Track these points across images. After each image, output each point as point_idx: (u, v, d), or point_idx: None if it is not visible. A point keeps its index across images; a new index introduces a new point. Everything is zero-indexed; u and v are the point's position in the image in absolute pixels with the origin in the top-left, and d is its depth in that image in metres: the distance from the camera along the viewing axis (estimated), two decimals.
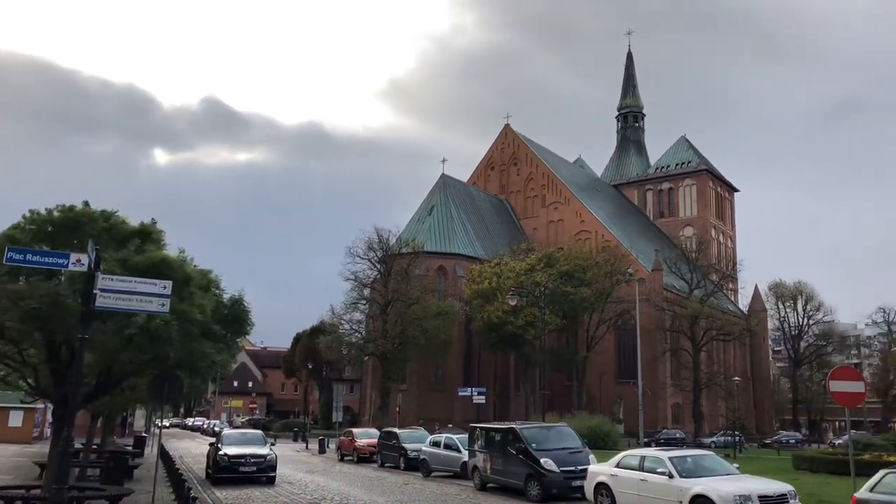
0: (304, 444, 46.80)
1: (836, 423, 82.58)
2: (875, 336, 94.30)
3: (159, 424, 26.36)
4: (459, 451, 24.06)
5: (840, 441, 55.65)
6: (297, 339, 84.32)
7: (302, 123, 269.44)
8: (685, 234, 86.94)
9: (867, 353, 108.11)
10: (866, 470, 16.03)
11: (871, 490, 11.43)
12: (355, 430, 36.49)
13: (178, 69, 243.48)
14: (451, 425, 43.29)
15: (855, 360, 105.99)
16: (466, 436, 23.50)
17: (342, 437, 36.02)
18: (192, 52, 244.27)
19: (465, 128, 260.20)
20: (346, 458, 33.90)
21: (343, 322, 59.39)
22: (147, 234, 15.26)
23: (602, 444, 37.54)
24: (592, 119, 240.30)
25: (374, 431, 35.41)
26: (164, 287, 11.99)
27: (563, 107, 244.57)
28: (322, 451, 39.57)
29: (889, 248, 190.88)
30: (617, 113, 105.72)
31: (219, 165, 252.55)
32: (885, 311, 75.36)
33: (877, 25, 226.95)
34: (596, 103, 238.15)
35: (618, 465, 15.68)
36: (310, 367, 71.29)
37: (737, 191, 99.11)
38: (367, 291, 57.97)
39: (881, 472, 11.70)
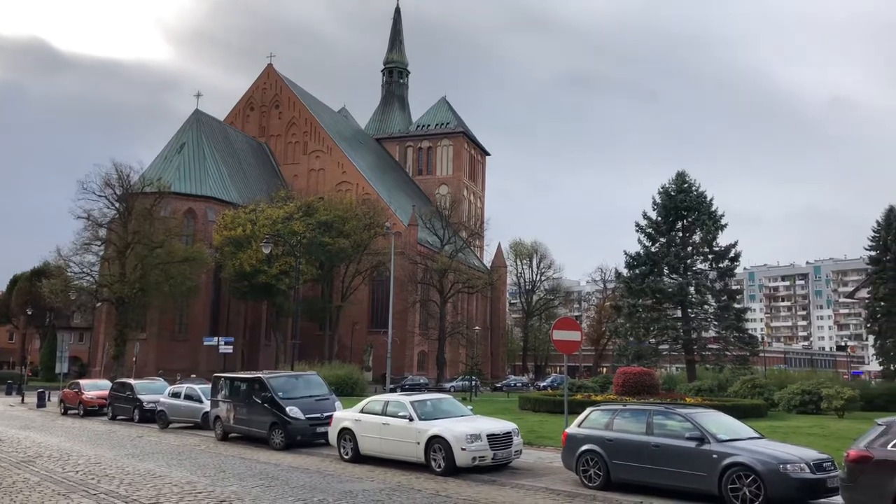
0: (20, 398, 41.79)
1: (555, 368, 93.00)
2: (593, 292, 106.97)
3: None
4: (201, 402, 23.05)
5: (544, 384, 63.05)
6: (14, 281, 74.58)
7: (22, 36, 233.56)
8: (440, 192, 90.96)
9: (586, 307, 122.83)
10: (578, 408, 18.12)
11: (579, 425, 12.94)
12: (83, 382, 33.37)
13: None
14: (194, 375, 41.31)
15: (576, 313, 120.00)
16: (210, 386, 22.56)
17: (66, 390, 32.70)
18: None
19: (224, 63, 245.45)
20: (70, 412, 30.92)
21: (72, 264, 53.47)
22: None
23: (350, 392, 38.47)
24: (359, 70, 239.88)
25: (106, 383, 32.75)
26: None
27: (330, 54, 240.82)
28: (41, 404, 35.63)
29: (610, 216, 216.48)
30: (383, 67, 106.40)
31: None
32: (602, 271, 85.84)
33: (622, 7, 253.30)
34: (363, 55, 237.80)
35: (362, 411, 16.00)
36: (29, 312, 63.28)
37: (488, 154, 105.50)
38: (102, 232, 52.59)
39: (588, 410, 13.30)
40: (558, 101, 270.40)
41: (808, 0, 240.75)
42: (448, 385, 58.03)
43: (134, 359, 49.10)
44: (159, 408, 24.55)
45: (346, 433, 15.92)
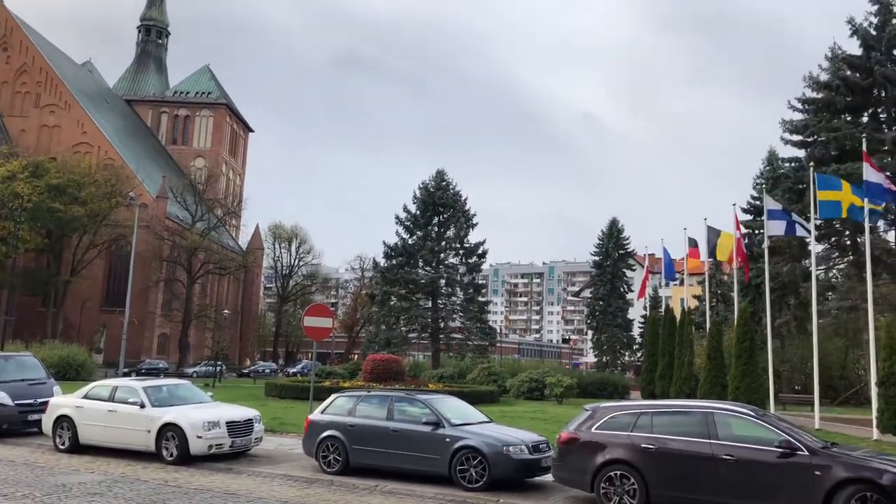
0: None
1: (307, 354, 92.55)
2: (351, 280, 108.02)
3: None
4: None
5: (294, 370, 62.74)
6: None
7: None
8: (196, 165, 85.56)
9: (343, 295, 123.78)
10: (326, 395, 18.14)
11: (323, 412, 12.96)
12: None
13: None
14: None
15: (333, 300, 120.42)
16: None
17: None
18: None
19: None
20: None
21: None
22: None
23: (75, 375, 34.86)
24: (110, 23, 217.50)
25: None
26: None
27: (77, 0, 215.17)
28: None
29: (375, 205, 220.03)
30: (140, 23, 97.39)
31: None
32: (361, 259, 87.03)
33: None
34: (117, 6, 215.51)
35: (85, 397, 14.56)
36: None
37: (252, 131, 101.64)
38: None
39: (333, 396, 13.38)
40: (332, 84, 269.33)
41: (572, 23, 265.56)
42: (190, 370, 55.14)
43: None
44: None
45: (63, 421, 14.36)
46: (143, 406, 13.62)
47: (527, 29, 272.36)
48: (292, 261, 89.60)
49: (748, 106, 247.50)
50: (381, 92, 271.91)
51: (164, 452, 13.02)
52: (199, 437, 12.80)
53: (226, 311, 68.90)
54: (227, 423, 13.25)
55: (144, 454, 13.37)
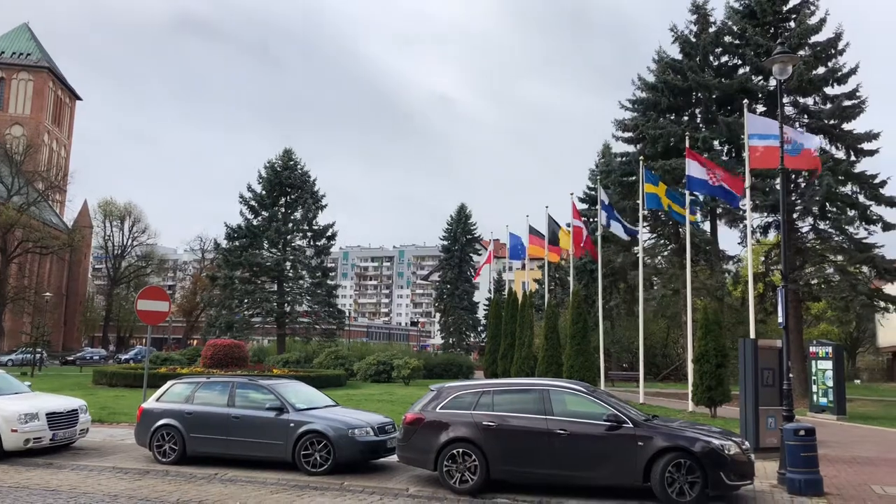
0: None
1: (142, 340, 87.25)
2: (191, 262, 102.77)
3: None
4: None
5: (126, 357, 58.90)
6: None
7: None
8: (13, 134, 77.41)
9: (182, 277, 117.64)
10: (161, 382, 17.18)
11: (158, 399, 12.28)
12: None
13: None
14: None
15: (170, 283, 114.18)
16: None
17: None
18: None
19: None
20: None
21: None
22: None
23: None
24: None
25: None
26: None
27: None
28: None
29: (218, 182, 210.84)
30: None
31: None
32: (202, 240, 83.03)
33: None
34: None
35: None
36: None
37: (79, 99, 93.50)
38: None
39: (169, 383, 12.71)
40: (173, 53, 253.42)
41: (430, 1, 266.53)
42: (5, 359, 50.36)
43: None
44: None
45: None
46: None
47: (382, 4, 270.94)
48: (125, 240, 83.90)
49: (591, 99, 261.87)
50: (225, 63, 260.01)
51: None
52: (14, 431, 11.75)
53: (48, 293, 63.13)
54: (47, 414, 12.25)
55: None
